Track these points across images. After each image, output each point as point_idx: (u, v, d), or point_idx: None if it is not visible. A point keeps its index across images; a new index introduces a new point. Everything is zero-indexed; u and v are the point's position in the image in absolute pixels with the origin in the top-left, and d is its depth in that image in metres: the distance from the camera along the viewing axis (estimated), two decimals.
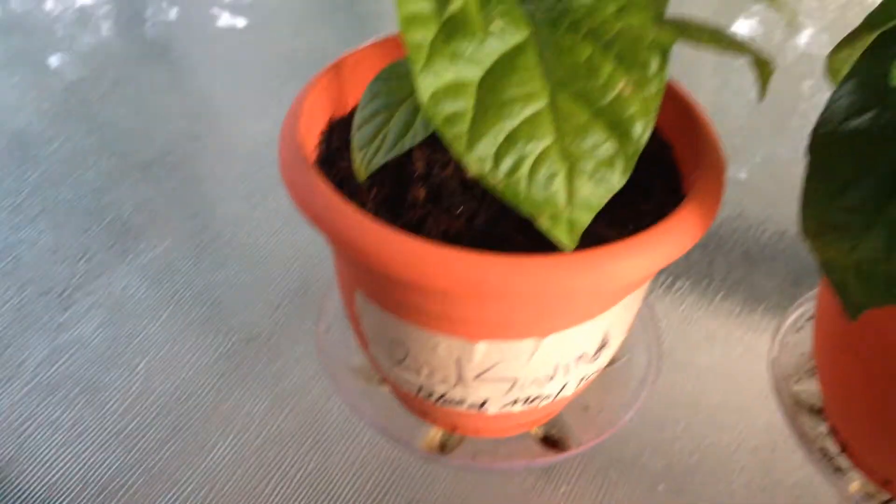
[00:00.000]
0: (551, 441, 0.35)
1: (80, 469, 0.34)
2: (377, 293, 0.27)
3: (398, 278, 0.23)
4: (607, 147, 0.20)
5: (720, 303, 0.42)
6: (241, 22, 0.63)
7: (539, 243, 0.23)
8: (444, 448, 0.35)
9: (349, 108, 0.32)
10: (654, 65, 0.20)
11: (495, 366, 0.27)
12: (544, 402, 0.30)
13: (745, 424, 0.36)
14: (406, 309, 0.27)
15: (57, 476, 0.33)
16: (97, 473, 0.34)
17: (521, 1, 0.22)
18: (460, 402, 0.30)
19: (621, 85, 0.20)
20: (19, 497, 0.33)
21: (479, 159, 0.20)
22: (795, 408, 0.36)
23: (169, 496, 0.33)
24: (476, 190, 0.28)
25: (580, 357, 0.28)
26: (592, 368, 0.30)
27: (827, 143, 0.24)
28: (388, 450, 0.35)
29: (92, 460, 0.34)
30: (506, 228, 0.27)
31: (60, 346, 0.38)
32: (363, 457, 0.35)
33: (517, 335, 0.26)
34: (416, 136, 0.23)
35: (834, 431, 0.34)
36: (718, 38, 0.23)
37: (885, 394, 0.29)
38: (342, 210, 0.24)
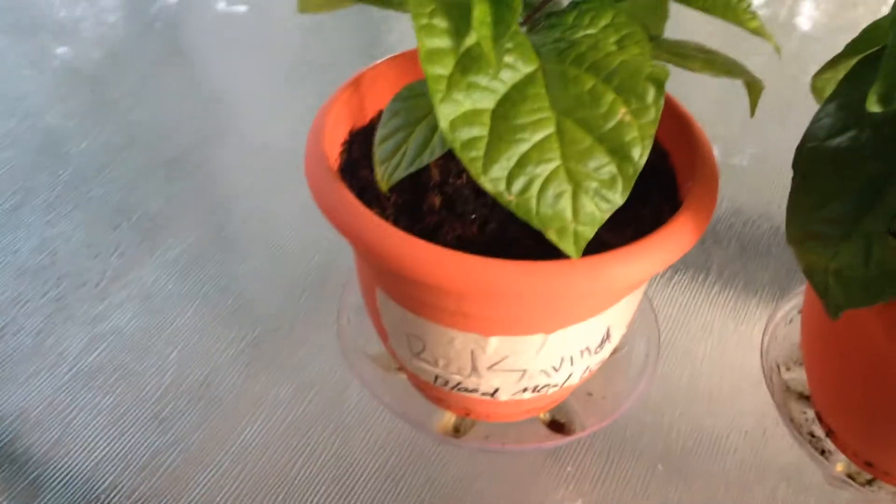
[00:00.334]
0: (558, 425, 0.36)
1: (121, 450, 0.36)
2: (397, 292, 0.29)
3: (417, 280, 0.25)
4: (609, 169, 0.22)
5: (716, 295, 0.43)
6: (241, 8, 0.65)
7: (545, 245, 0.24)
8: (457, 431, 0.36)
9: (368, 120, 0.33)
10: (650, 95, 0.22)
11: (506, 358, 0.29)
12: (551, 390, 0.32)
13: (738, 410, 0.38)
14: (424, 307, 0.28)
15: (100, 457, 0.35)
16: (137, 454, 0.36)
17: (528, 34, 0.24)
18: (474, 390, 0.31)
19: (621, 113, 0.22)
20: (66, 476, 0.35)
21: (493, 180, 0.22)
22: (785, 395, 0.37)
23: (205, 475, 0.35)
24: (488, 197, 0.29)
25: (584, 350, 0.30)
26: (596, 359, 0.31)
27: (811, 159, 0.25)
28: (405, 432, 0.36)
29: (132, 442, 0.36)
30: (515, 233, 0.28)
31: (98, 335, 0.40)
32: (382, 439, 0.36)
33: (527, 331, 0.28)
34: (433, 152, 0.25)
35: (820, 417, 0.36)
36: (712, 63, 0.25)
37: (865, 384, 0.30)
38: (365, 217, 0.26)
